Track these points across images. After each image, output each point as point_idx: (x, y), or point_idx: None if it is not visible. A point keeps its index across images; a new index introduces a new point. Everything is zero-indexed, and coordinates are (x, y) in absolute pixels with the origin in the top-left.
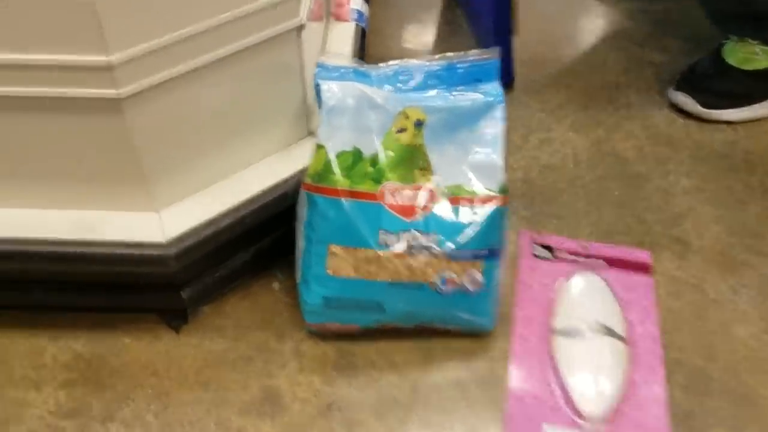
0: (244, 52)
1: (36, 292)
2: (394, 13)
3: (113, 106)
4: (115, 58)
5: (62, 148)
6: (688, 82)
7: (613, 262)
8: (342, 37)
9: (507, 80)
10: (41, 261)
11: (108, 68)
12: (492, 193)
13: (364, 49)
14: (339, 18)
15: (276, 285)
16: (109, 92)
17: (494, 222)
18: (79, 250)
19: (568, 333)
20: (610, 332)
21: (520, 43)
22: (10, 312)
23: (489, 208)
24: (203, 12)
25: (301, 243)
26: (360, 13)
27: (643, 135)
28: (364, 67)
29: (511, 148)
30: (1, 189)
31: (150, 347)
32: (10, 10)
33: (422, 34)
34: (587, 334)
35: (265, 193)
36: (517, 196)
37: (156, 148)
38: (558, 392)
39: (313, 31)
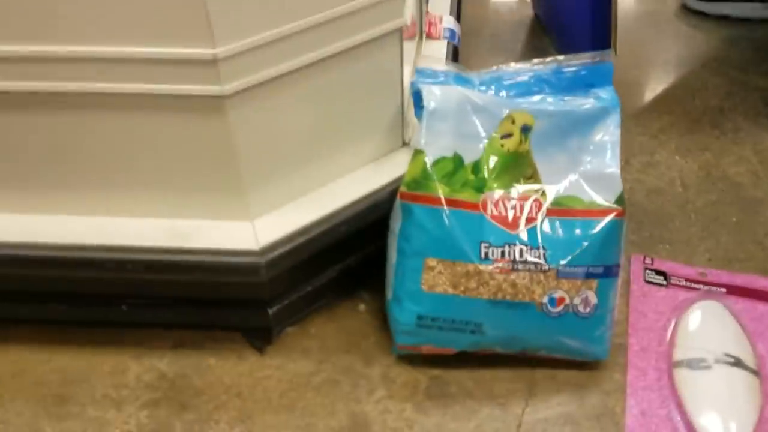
0: (347, 53)
1: (125, 306)
2: (483, 42)
3: (216, 104)
4: (221, 51)
5: (159, 150)
6: None
7: (736, 291)
8: (435, 53)
9: None
10: (134, 269)
11: (213, 62)
12: (609, 205)
13: None
14: (431, 36)
15: (362, 307)
16: (213, 89)
17: (611, 236)
18: (172, 258)
19: (693, 365)
20: (740, 364)
21: (615, 67)
22: (97, 329)
23: (605, 221)
24: (309, 8)
25: (393, 257)
26: (452, 32)
27: (755, 159)
28: (465, 72)
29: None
30: (95, 196)
31: (234, 368)
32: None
33: (511, 61)
34: (714, 367)
35: (357, 202)
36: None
37: (255, 153)
38: (683, 430)
39: (406, 49)
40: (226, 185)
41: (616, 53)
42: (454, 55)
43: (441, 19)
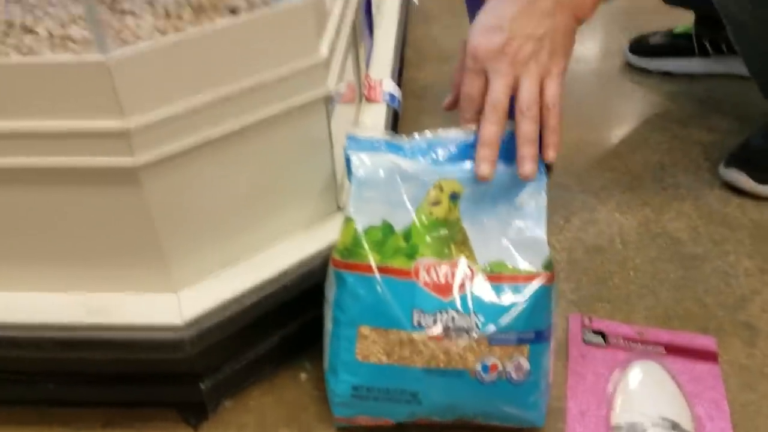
0: (268, 122)
1: (46, 385)
2: (426, 104)
3: (130, 175)
4: (132, 122)
5: (73, 224)
6: (740, 159)
7: (674, 350)
8: (374, 117)
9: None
10: (52, 348)
11: (124, 134)
12: (537, 270)
13: (397, 132)
14: (371, 99)
15: (303, 376)
16: (126, 160)
17: (540, 301)
18: (90, 334)
19: (629, 430)
20: (677, 428)
21: None
22: (17, 408)
23: (534, 286)
24: (225, 77)
25: (328, 326)
26: (392, 96)
27: (695, 215)
28: (397, 139)
29: (552, 229)
30: (6, 269)
31: None
32: (14, 72)
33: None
34: (651, 431)
35: (290, 270)
36: (562, 278)
37: (174, 223)
38: None
39: (344, 112)
40: (147, 256)
41: None
42: (395, 118)
43: (381, 83)
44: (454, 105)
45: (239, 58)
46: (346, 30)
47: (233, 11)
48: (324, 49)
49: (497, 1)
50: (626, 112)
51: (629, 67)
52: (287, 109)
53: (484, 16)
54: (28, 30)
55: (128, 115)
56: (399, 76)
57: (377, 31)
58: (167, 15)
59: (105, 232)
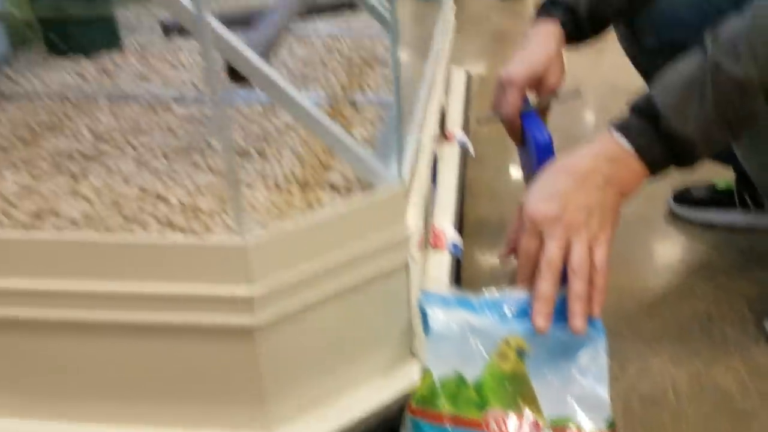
0: (360, 284)
1: None
2: (482, 240)
3: (246, 333)
4: (257, 290)
5: (179, 370)
6: None
7: None
8: (440, 265)
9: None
10: None
11: (249, 299)
12: (599, 429)
13: (459, 275)
14: (436, 247)
15: None
16: (245, 321)
17: None
18: None
19: None
20: None
21: None
22: None
23: None
24: (331, 248)
25: None
26: (456, 246)
27: (743, 369)
28: (467, 295)
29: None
30: (109, 406)
31: None
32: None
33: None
34: None
35: (370, 415)
36: (618, 429)
37: (276, 372)
38: None
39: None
40: (247, 398)
41: None
42: (457, 265)
43: (445, 233)
44: (509, 255)
45: (342, 233)
46: (424, 202)
47: (333, 187)
48: (410, 223)
49: (554, 173)
50: (672, 260)
51: (673, 214)
52: (375, 274)
53: (542, 185)
54: (161, 198)
55: (255, 283)
56: (460, 224)
57: (440, 179)
58: (278, 188)
59: (210, 377)
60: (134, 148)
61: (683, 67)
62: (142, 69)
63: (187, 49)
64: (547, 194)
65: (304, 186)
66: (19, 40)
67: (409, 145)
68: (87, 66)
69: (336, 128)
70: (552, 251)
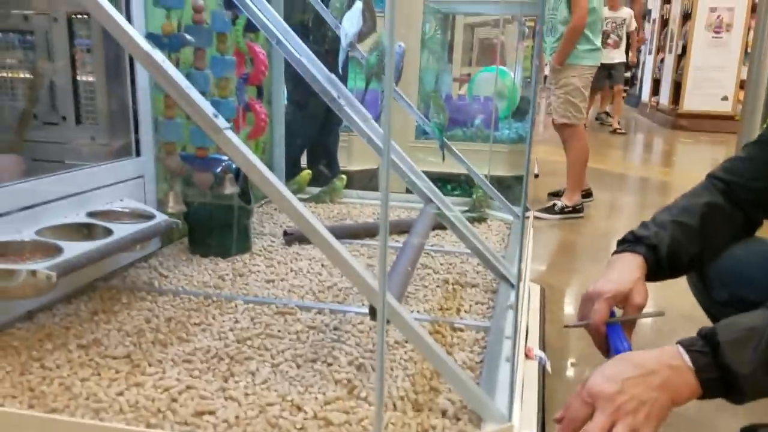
0: None
1: None
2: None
3: None
4: None
5: None
6: None
7: None
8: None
9: None
10: None
11: None
12: None
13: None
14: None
15: None
16: None
17: None
18: None
19: None
20: None
21: None
22: None
23: None
24: None
25: None
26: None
27: None
28: None
29: None
30: None
31: None
32: None
33: None
34: None
35: None
36: None
37: None
38: None
39: None
40: None
41: None
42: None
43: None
44: (558, 421)
45: None
46: None
47: (444, 414)
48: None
49: (622, 361)
50: None
51: None
52: None
53: (608, 367)
54: (298, 408)
55: None
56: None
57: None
58: (394, 407)
59: None
60: (269, 351)
61: (751, 315)
62: (269, 274)
63: (305, 257)
64: (611, 375)
65: (416, 407)
66: (166, 240)
67: (516, 383)
68: (224, 267)
69: (448, 359)
70: (598, 423)
